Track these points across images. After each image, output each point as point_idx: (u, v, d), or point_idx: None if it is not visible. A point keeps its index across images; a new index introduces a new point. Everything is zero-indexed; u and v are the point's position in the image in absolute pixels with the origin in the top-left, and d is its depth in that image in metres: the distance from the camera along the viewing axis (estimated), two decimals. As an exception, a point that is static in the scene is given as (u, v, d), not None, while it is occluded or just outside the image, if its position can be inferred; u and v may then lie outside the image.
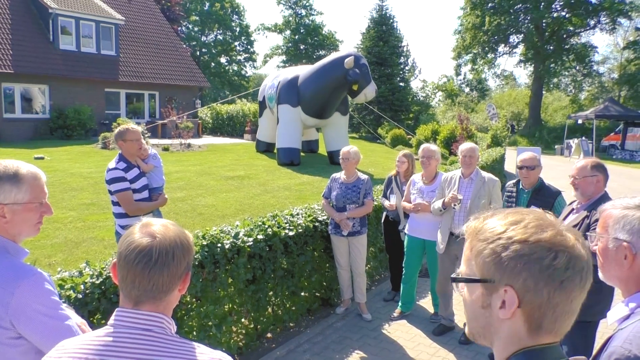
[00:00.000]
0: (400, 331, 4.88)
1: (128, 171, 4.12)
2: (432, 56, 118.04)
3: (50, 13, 20.49)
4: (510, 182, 4.40)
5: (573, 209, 3.51)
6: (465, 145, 4.67)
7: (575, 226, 3.32)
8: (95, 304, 3.01)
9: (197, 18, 49.84)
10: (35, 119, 20.14)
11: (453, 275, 1.01)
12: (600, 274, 1.53)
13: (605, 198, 3.31)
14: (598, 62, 44.72)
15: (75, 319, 1.79)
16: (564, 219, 3.54)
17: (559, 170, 18.16)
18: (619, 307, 1.44)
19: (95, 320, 3.01)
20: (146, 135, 16.59)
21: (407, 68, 35.99)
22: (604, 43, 76.45)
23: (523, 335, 0.94)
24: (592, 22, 37.54)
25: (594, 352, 1.43)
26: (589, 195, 3.35)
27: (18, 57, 19.26)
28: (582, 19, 36.68)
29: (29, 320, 1.60)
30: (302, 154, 15.47)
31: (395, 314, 5.23)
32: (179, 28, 40.35)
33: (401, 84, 32.81)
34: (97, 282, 3.07)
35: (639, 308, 1.37)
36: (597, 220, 3.13)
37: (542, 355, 0.92)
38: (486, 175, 4.66)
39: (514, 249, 0.91)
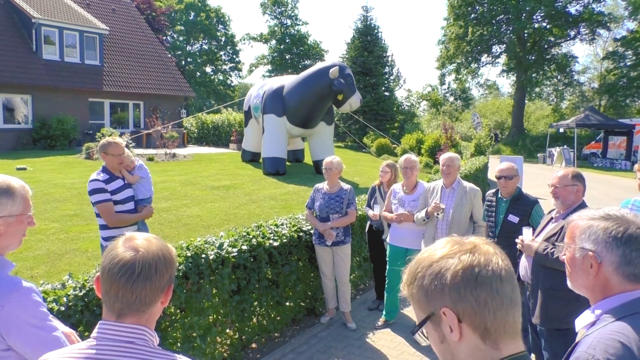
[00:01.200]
0: (384, 340, 4.92)
1: (110, 182, 4.13)
2: (416, 66, 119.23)
3: (34, 23, 20.35)
4: (490, 192, 4.49)
5: (552, 218, 3.59)
6: (444, 156, 4.77)
7: (554, 235, 3.39)
8: (78, 316, 3.01)
9: (182, 28, 49.82)
10: (18, 129, 19.91)
11: (412, 331, 1.11)
12: (568, 283, 1.60)
13: (583, 207, 3.38)
14: (579, 72, 45.62)
15: (63, 329, 1.83)
16: (543, 227, 3.62)
17: (542, 178, 18.42)
18: (585, 314, 1.50)
19: (78, 333, 3.00)
20: (131, 145, 16.51)
21: (391, 78, 36.34)
22: (584, 53, 78.12)
23: (482, 347, 0.99)
24: (572, 33, 38.33)
25: (563, 358, 1.49)
26: (568, 204, 3.43)
27: (0, 67, 19.07)
28: (562, 29, 37.43)
29: (19, 332, 1.62)
30: (287, 163, 15.51)
31: (379, 323, 5.27)
32: (164, 38, 40.28)
33: (386, 93, 33.11)
34: (80, 294, 3.07)
35: (605, 314, 1.42)
36: None
37: None
38: (467, 184, 4.76)
39: (429, 274, 1.03)
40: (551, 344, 3.40)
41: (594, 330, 1.40)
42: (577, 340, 1.46)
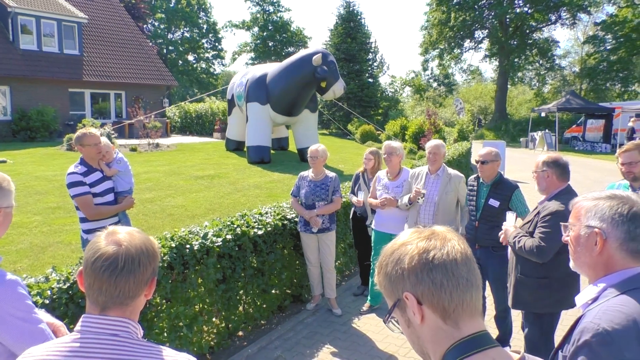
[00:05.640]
0: (369, 324, 5.00)
1: (88, 175, 4.10)
2: (400, 52, 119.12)
3: (9, 12, 19.88)
4: (472, 177, 4.56)
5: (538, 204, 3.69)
6: (430, 143, 4.82)
7: (528, 222, 3.48)
8: (63, 309, 3.01)
9: (163, 15, 49.02)
10: (-4, 121, 19.56)
11: (384, 319, 1.15)
12: (571, 263, 1.65)
13: (564, 193, 3.39)
14: (560, 56, 45.99)
15: (53, 322, 1.85)
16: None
17: (524, 162, 18.66)
18: (587, 290, 1.55)
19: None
20: (113, 136, 16.32)
21: (375, 64, 36.25)
22: (565, 37, 78.98)
23: (444, 327, 1.04)
24: (553, 18, 38.56)
25: (564, 334, 1.54)
26: (543, 188, 3.51)
27: (-24, 58, 18.66)
28: (543, 14, 37.62)
29: (4, 324, 1.64)
30: (272, 151, 15.48)
31: (364, 308, 5.34)
32: (145, 26, 39.65)
33: (370, 80, 33.07)
34: (64, 287, 3.07)
35: (608, 289, 1.48)
36: (545, 216, 3.30)
37: (472, 344, 1.02)
38: (452, 172, 4.82)
39: (391, 261, 1.09)
40: (526, 323, 3.63)
41: (598, 304, 1.46)
42: (578, 317, 1.51)
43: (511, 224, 3.61)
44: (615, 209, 1.50)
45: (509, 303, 3.63)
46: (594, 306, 1.46)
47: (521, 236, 3.40)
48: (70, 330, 1.60)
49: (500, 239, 3.68)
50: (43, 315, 1.82)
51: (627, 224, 1.47)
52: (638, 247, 1.48)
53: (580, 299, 1.57)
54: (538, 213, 3.40)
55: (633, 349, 1.31)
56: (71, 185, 4.04)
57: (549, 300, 3.33)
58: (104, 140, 4.54)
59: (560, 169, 3.44)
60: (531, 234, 3.36)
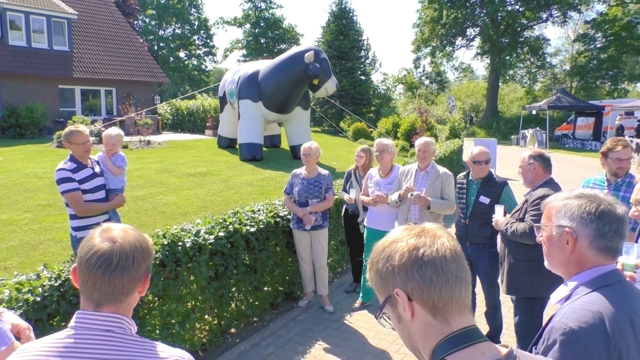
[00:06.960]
0: (361, 321, 5.02)
1: (77, 171, 4.09)
2: (392, 49, 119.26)
3: (-2, 7, 19.70)
4: (461, 175, 4.60)
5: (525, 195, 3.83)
6: (419, 140, 4.87)
7: (517, 211, 3.65)
8: (55, 306, 3.00)
9: (154, 12, 48.69)
10: (-15, 117, 19.37)
11: (376, 315, 1.17)
12: (545, 262, 1.68)
13: (548, 183, 3.66)
14: (551, 54, 46.32)
15: (19, 323, 1.82)
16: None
17: (514, 160, 18.73)
18: (561, 289, 1.59)
19: (55, 323, 3.00)
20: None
21: (367, 61, 36.29)
22: (556, 36, 79.56)
23: (434, 323, 1.05)
24: (544, 16, 38.74)
25: (539, 332, 1.57)
26: (529, 180, 3.74)
27: (-36, 54, 18.45)
28: (534, 12, 37.79)
29: None
30: (264, 149, 15.46)
31: (356, 305, 5.37)
32: (135, 22, 39.37)
33: (362, 77, 33.11)
34: (56, 284, 3.06)
35: (578, 287, 1.52)
36: (534, 200, 3.45)
37: (461, 339, 1.04)
38: (441, 169, 4.85)
39: (382, 258, 1.11)
40: (517, 311, 3.73)
41: (569, 302, 1.49)
42: (553, 314, 1.54)
43: (500, 216, 3.77)
44: (583, 208, 1.53)
45: (503, 290, 3.74)
46: (566, 304, 1.49)
47: (512, 223, 3.58)
48: (62, 327, 1.60)
49: (493, 223, 3.85)
50: (9, 316, 1.80)
51: (595, 222, 1.51)
52: (607, 244, 1.51)
53: (554, 297, 1.60)
54: (526, 201, 3.58)
55: (599, 347, 1.34)
56: (60, 181, 4.03)
57: (543, 284, 3.39)
58: (119, 131, 4.51)
59: (545, 161, 3.71)
60: (521, 221, 3.54)
